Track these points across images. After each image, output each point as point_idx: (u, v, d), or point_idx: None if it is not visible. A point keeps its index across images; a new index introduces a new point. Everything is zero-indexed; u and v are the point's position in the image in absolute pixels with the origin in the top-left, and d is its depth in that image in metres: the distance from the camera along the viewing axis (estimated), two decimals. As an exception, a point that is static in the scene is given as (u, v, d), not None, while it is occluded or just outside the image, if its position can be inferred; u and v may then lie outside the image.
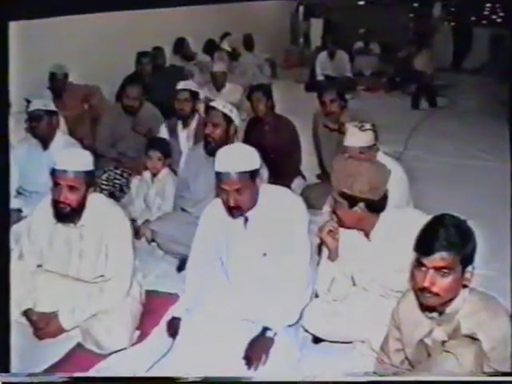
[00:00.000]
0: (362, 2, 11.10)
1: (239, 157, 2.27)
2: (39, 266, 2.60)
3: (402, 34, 10.21)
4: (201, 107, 4.02)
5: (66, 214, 2.44)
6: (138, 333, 2.57)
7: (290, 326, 2.35)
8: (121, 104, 4.23)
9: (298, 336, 2.44)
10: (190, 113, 3.92)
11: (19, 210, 3.34)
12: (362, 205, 2.18)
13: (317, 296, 2.43)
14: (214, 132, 3.05)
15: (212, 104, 3.15)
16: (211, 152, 2.89)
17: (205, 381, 2.09)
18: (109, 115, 4.35)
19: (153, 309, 2.73)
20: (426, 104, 7.45)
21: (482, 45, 10.07)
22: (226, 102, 3.21)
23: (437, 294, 1.75)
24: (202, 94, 4.56)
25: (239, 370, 2.24)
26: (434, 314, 1.85)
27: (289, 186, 3.40)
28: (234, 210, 2.28)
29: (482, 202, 3.84)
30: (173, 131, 3.95)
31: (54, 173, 2.43)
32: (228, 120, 3.06)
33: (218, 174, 2.26)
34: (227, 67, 5.84)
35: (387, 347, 2.05)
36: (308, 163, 4.32)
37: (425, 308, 1.85)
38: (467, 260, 1.75)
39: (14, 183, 3.42)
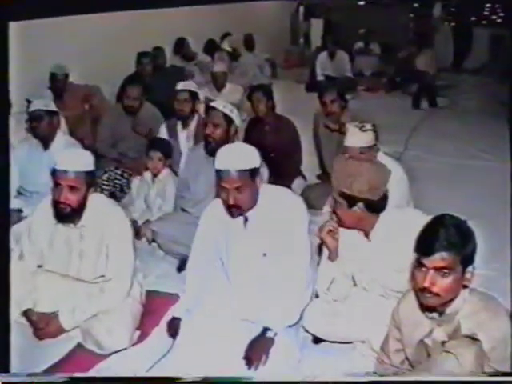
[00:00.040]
0: (362, 2, 11.10)
1: (239, 155, 2.27)
2: (39, 266, 2.60)
3: (402, 34, 10.21)
4: (200, 108, 4.01)
5: (67, 214, 2.44)
6: (138, 333, 2.57)
7: (290, 326, 2.35)
8: (121, 104, 4.23)
9: (299, 336, 2.44)
10: (190, 113, 3.91)
11: (20, 211, 3.34)
12: (361, 205, 2.18)
13: (317, 296, 2.43)
14: (215, 132, 3.05)
15: (212, 104, 3.15)
16: (212, 152, 2.89)
17: (205, 381, 2.09)
18: (109, 115, 4.35)
19: (153, 309, 2.73)
20: (426, 104, 7.45)
21: (482, 45, 10.08)
22: (227, 102, 3.21)
23: (437, 295, 1.75)
24: (203, 94, 4.56)
25: (239, 370, 2.24)
26: (435, 315, 1.85)
27: (289, 187, 3.40)
28: (234, 209, 2.28)
29: (482, 201, 3.84)
30: (172, 132, 3.95)
31: (54, 173, 2.43)
32: (228, 120, 3.06)
33: (218, 172, 2.26)
34: (228, 67, 5.84)
35: (387, 347, 2.06)
36: (308, 163, 4.32)
37: (425, 308, 1.85)
38: (467, 260, 1.75)
39: (15, 183, 3.42)
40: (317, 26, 11.35)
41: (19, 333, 2.40)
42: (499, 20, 10.30)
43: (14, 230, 2.81)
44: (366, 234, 2.26)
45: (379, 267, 2.24)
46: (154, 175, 3.64)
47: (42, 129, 3.49)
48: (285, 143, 3.97)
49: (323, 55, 8.10)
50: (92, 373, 2.35)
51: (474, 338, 1.73)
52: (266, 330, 2.30)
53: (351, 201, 2.18)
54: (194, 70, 6.54)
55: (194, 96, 3.92)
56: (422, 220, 1.86)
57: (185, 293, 2.56)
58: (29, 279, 2.55)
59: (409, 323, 1.94)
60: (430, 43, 9.12)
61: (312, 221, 2.52)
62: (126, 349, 2.47)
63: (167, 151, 3.65)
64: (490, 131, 5.46)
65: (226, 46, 7.93)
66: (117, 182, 4.01)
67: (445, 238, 1.72)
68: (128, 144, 4.19)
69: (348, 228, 2.26)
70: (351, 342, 2.39)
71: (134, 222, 3.15)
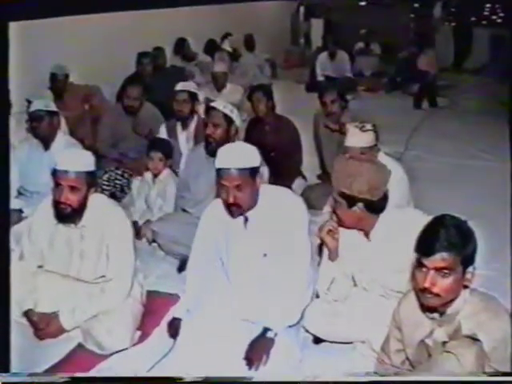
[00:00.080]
0: (362, 3, 11.09)
1: (240, 154, 2.27)
2: (40, 266, 2.60)
3: (403, 35, 10.22)
4: (200, 108, 4.01)
5: (67, 214, 2.44)
6: (138, 333, 2.57)
7: (290, 326, 2.35)
8: (121, 104, 4.23)
9: (299, 336, 2.44)
10: (189, 114, 3.91)
11: (20, 211, 3.34)
12: (360, 205, 2.18)
13: (317, 296, 2.43)
14: (215, 132, 3.05)
15: (213, 104, 3.15)
16: (212, 152, 2.88)
17: (205, 381, 2.09)
18: (109, 115, 4.35)
19: (154, 309, 2.73)
20: (427, 104, 7.45)
21: (483, 45, 10.07)
22: (227, 102, 3.21)
23: (437, 295, 1.75)
24: (203, 94, 4.56)
25: (240, 370, 2.24)
26: (435, 315, 1.85)
27: (289, 187, 3.40)
28: (234, 208, 2.28)
29: (482, 202, 3.84)
30: (172, 132, 3.95)
31: (55, 173, 2.43)
32: (229, 120, 3.06)
33: (219, 171, 2.26)
34: (228, 67, 5.83)
35: (388, 347, 2.06)
36: (309, 164, 4.32)
37: (426, 309, 1.85)
38: (468, 260, 1.75)
39: (15, 183, 3.42)
40: (317, 26, 11.36)
41: (20, 333, 2.40)
42: (499, 20, 10.30)
43: (15, 230, 2.81)
44: (366, 234, 2.26)
45: (379, 267, 2.24)
46: (155, 175, 3.64)
47: (42, 129, 3.49)
48: (285, 143, 3.97)
49: (323, 55, 8.09)
50: (92, 373, 2.35)
51: (474, 339, 1.73)
52: (266, 330, 2.30)
53: (351, 201, 2.18)
54: (194, 71, 6.54)
55: (193, 97, 3.92)
56: (422, 220, 1.86)
57: (185, 293, 2.56)
58: (29, 279, 2.55)
59: (409, 323, 1.94)
60: (431, 43, 9.12)
61: (312, 221, 2.53)
62: (126, 349, 2.47)
63: (168, 151, 3.65)
64: (490, 131, 5.45)
65: (226, 46, 7.93)
66: (117, 182, 4.01)
67: (445, 239, 1.72)
68: (128, 144, 4.19)
69: (348, 228, 2.26)
70: (352, 342, 2.39)
71: (134, 223, 3.15)
